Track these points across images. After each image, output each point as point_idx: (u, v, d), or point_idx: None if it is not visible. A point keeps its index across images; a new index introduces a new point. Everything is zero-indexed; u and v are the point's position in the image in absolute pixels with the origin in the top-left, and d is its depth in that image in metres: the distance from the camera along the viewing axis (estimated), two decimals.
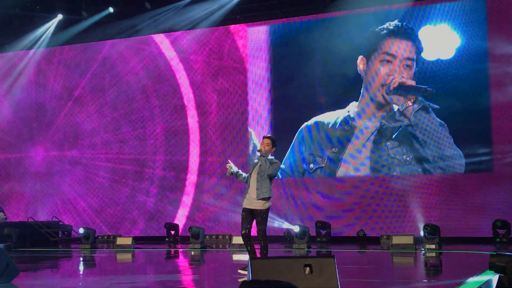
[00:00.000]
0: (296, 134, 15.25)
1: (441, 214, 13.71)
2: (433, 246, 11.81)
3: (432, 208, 13.90)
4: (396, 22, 14.63)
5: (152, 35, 17.04)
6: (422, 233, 12.26)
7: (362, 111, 14.74)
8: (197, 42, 16.59)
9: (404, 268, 10.15)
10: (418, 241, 12.12)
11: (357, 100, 14.80)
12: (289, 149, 15.26)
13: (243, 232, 7.99)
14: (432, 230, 12.08)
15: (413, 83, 14.28)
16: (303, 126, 15.23)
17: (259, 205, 7.90)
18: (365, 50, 14.81)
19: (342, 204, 14.79)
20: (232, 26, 16.29)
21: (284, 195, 15.23)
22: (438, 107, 14.03)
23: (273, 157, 8.13)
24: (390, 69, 14.54)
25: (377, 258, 11.47)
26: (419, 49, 14.42)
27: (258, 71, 15.85)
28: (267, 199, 7.92)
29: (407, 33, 14.54)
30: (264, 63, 15.83)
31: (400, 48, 14.57)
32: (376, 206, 14.44)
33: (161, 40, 17.00)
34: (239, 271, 8.08)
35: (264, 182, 7.92)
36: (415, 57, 14.42)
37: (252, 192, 7.93)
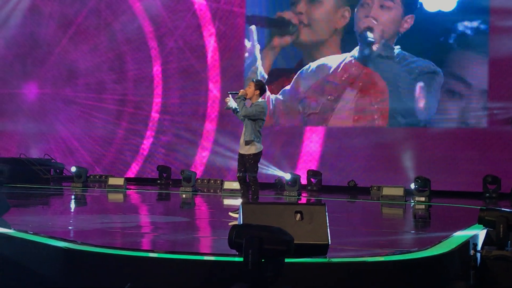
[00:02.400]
0: (297, 74, 15.14)
1: (433, 167, 13.75)
2: (422, 199, 11.90)
3: (424, 161, 13.94)
4: None
5: None
6: (412, 185, 12.33)
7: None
8: None
9: (392, 219, 10.26)
10: (408, 193, 12.20)
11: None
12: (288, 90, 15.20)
13: (237, 175, 8.08)
14: (422, 183, 12.15)
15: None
16: (306, 66, 15.10)
17: (244, 149, 7.90)
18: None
19: (334, 154, 14.81)
20: None
21: (276, 142, 15.22)
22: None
23: (259, 100, 7.95)
24: (365, 12, 14.51)
25: (367, 208, 11.58)
26: None
27: (256, 14, 15.64)
28: (249, 142, 7.84)
29: None
30: (264, 8, 15.62)
31: None
32: (368, 157, 14.48)
33: None
34: (230, 213, 8.13)
35: (247, 125, 7.86)
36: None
37: (241, 136, 7.96)
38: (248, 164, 7.88)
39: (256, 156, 7.92)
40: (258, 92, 7.89)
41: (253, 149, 7.87)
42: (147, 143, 16.54)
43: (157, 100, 16.49)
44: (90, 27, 17.33)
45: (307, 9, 15.10)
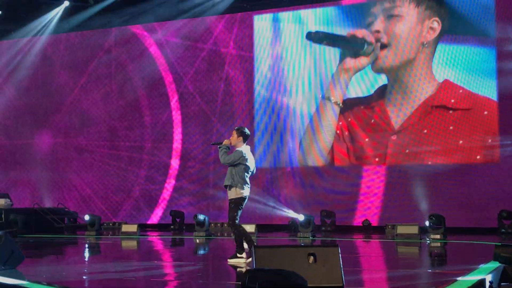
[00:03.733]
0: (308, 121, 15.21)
1: (447, 204, 13.66)
2: (438, 236, 11.80)
3: (437, 198, 13.85)
4: None
5: (159, 22, 16.99)
6: (427, 223, 12.24)
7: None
8: (203, 30, 16.53)
9: (408, 258, 10.16)
10: (423, 231, 12.11)
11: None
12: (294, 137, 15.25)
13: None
14: (437, 220, 12.07)
15: None
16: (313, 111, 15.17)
17: (227, 194, 8.31)
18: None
19: (347, 194, 14.77)
20: (239, 14, 16.23)
21: (289, 184, 15.23)
22: None
23: (241, 147, 8.33)
24: None
25: (382, 247, 11.48)
26: None
27: (264, 59, 15.79)
28: (229, 187, 8.20)
29: None
30: (270, 51, 15.77)
31: None
32: (382, 196, 14.41)
33: (167, 28, 16.94)
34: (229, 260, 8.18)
35: (228, 171, 8.28)
36: None
37: None
38: (229, 207, 8.18)
39: (237, 201, 8.19)
40: (241, 138, 8.31)
41: (233, 193, 8.18)
42: (159, 189, 16.58)
43: (169, 146, 16.59)
44: (101, 76, 17.58)
45: (385, 26, 14.43)
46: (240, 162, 8.17)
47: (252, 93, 15.88)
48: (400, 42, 14.33)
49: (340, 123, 14.84)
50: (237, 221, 8.17)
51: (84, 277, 7.54)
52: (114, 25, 17.47)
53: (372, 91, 14.65)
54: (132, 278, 7.28)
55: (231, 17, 16.29)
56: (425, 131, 14.03)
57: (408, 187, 14.20)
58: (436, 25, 14.08)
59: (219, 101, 16.22)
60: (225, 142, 8.31)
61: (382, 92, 14.53)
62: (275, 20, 15.81)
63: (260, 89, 15.77)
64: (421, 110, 14.07)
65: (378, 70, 14.55)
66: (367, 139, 14.60)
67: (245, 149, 8.28)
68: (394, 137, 14.30)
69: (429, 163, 14.13)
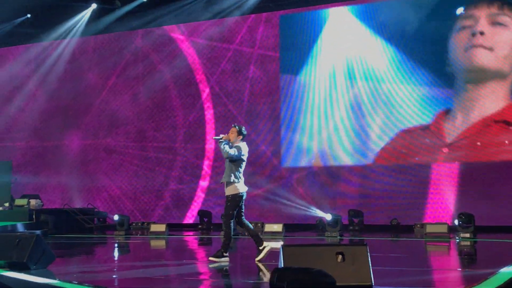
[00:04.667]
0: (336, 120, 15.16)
1: (476, 202, 13.52)
2: (467, 235, 11.68)
3: (466, 197, 13.72)
4: None
5: (185, 24, 17.09)
6: (456, 222, 12.13)
7: None
8: (228, 30, 16.59)
9: (438, 257, 10.07)
10: (452, 230, 12.00)
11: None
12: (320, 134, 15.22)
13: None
14: (466, 219, 11.95)
15: None
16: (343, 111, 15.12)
17: (225, 190, 8.35)
18: None
19: (375, 193, 14.71)
20: (264, 14, 16.25)
21: (316, 183, 15.20)
22: None
23: (241, 143, 8.38)
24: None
25: (411, 246, 11.39)
26: None
27: (290, 59, 15.79)
28: (229, 183, 8.27)
29: None
30: (296, 51, 15.76)
31: None
32: (411, 195, 14.31)
33: (193, 29, 17.04)
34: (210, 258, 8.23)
35: (226, 167, 8.36)
36: None
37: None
38: (226, 204, 8.22)
39: (234, 198, 8.22)
40: (240, 137, 8.42)
41: (232, 190, 8.23)
42: (187, 188, 16.67)
43: (196, 146, 16.67)
44: (129, 77, 17.74)
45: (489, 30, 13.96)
46: (242, 158, 8.30)
47: (278, 93, 15.87)
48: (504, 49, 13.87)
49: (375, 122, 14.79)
50: (232, 221, 8.21)
51: (114, 276, 7.62)
52: (141, 27, 17.62)
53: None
54: (161, 277, 7.33)
55: (257, 17, 16.32)
56: (478, 143, 13.82)
57: (437, 185, 14.08)
58: None
59: (245, 101, 16.26)
60: (225, 137, 8.36)
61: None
62: (301, 19, 15.78)
63: (285, 89, 15.76)
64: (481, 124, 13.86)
65: None
66: (403, 141, 14.50)
67: (244, 145, 8.39)
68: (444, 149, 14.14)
69: (458, 161, 14.00)
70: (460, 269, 8.13)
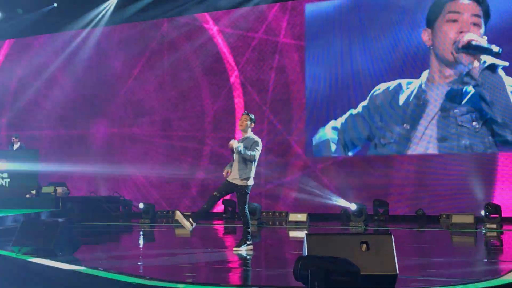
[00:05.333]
0: (360, 105, 15.03)
1: (503, 193, 13.36)
2: (494, 226, 11.54)
3: (493, 187, 13.56)
4: None
5: (210, 12, 17.09)
6: (482, 213, 12.00)
7: (432, 79, 14.38)
8: (254, 19, 16.54)
9: (463, 248, 9.98)
10: (478, 220, 11.87)
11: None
12: (347, 124, 15.13)
13: (214, 193, 8.31)
14: (493, 210, 11.81)
15: (483, 41, 13.74)
16: (368, 97, 14.98)
17: (238, 181, 8.24)
18: (428, 19, 14.49)
19: (401, 182, 14.61)
20: (289, 3, 16.18)
21: (340, 173, 15.14)
22: (507, 64, 13.44)
23: (256, 138, 8.23)
24: (458, 27, 14.14)
25: (437, 237, 11.30)
26: (485, 8, 13.95)
27: (315, 48, 15.70)
28: (241, 174, 8.19)
29: None
30: (321, 40, 15.66)
31: (464, 5, 14.17)
32: (437, 185, 14.19)
33: (219, 17, 17.03)
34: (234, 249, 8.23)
35: (245, 162, 8.19)
36: (481, 14, 13.97)
37: (235, 169, 8.25)
38: (239, 194, 8.20)
39: (249, 188, 8.26)
40: (253, 124, 8.28)
41: (248, 181, 8.22)
42: (211, 178, 16.70)
43: (221, 135, 16.69)
44: (154, 66, 17.81)
45: None
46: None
47: (303, 82, 15.81)
48: None
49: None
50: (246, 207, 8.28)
51: (139, 263, 7.67)
52: (166, 16, 17.67)
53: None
54: (186, 265, 7.37)
55: (282, 5, 16.25)
56: None
57: (463, 176, 13.94)
58: None
59: (270, 90, 16.23)
60: (235, 145, 8.17)
61: None
62: (327, 8, 15.67)
63: (310, 77, 15.70)
64: None
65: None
66: (427, 129, 14.35)
67: (259, 139, 8.30)
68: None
69: (482, 151, 13.83)
70: (486, 260, 8.04)
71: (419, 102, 14.43)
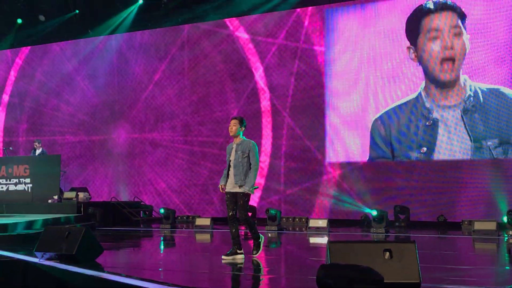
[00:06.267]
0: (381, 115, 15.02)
1: None
2: None
3: None
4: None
5: (230, 18, 17.15)
6: (505, 219, 11.87)
7: (433, 97, 14.35)
8: (273, 24, 16.57)
9: (485, 255, 9.88)
10: (501, 227, 11.75)
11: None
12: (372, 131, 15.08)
13: (229, 214, 8.02)
14: None
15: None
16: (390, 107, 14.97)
17: (237, 188, 7.90)
18: (408, 37, 14.65)
19: (421, 188, 14.51)
20: (309, 8, 16.17)
21: (361, 178, 15.08)
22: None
23: (251, 142, 7.98)
24: (441, 44, 14.21)
25: (459, 244, 11.20)
26: (461, 15, 14.07)
27: (335, 53, 15.67)
28: (241, 182, 7.85)
29: (445, 4, 14.27)
30: (341, 45, 15.63)
31: (442, 19, 14.29)
32: (458, 191, 14.08)
33: (238, 24, 17.09)
34: (223, 257, 7.97)
35: (244, 166, 7.88)
36: (460, 22, 14.03)
37: (231, 175, 7.92)
38: (242, 201, 7.87)
39: (250, 195, 7.97)
40: (243, 129, 8.04)
41: (250, 188, 7.86)
42: None
43: None
44: (174, 72, 17.91)
45: None
46: None
47: (323, 87, 15.79)
48: None
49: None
50: None
51: (160, 269, 7.70)
52: (186, 22, 17.76)
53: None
54: (206, 271, 7.37)
55: (302, 11, 16.25)
56: None
57: (485, 182, 13.82)
58: None
59: (290, 95, 16.22)
60: (247, 188, 7.86)
61: None
62: (346, 13, 15.65)
63: (331, 83, 15.67)
64: None
65: None
66: (447, 137, 14.27)
67: (255, 145, 8.05)
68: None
69: (503, 157, 13.71)
70: (508, 268, 7.95)
71: (429, 122, 14.35)
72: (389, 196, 14.65)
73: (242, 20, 17.06)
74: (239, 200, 7.88)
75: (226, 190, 7.96)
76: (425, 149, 14.38)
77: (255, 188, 7.96)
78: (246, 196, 7.88)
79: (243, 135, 8.09)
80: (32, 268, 7.38)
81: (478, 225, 11.80)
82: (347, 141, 15.35)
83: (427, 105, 14.41)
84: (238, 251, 7.94)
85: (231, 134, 8.03)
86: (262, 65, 16.67)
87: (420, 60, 14.56)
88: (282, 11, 16.46)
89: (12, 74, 20.50)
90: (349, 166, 15.34)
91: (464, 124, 13.96)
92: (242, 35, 17.00)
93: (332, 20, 15.80)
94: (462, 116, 13.99)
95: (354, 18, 15.54)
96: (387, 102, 14.95)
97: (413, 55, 14.57)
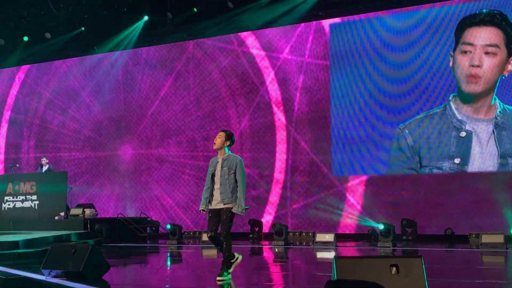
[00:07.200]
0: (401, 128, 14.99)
1: None
2: None
3: None
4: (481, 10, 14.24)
5: (235, 34, 17.23)
6: None
7: (463, 110, 14.26)
8: (279, 39, 16.63)
9: (494, 268, 9.82)
10: (508, 240, 11.68)
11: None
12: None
13: (209, 235, 7.48)
14: None
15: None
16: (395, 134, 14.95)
17: (222, 205, 7.41)
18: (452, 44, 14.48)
19: (428, 201, 14.46)
20: (314, 23, 16.23)
21: (367, 192, 15.05)
22: None
23: (238, 158, 7.55)
24: (469, 60, 14.07)
25: (467, 257, 11.15)
26: (508, 35, 13.85)
27: (340, 68, 15.71)
28: (227, 199, 7.40)
29: (492, 19, 14.00)
30: (346, 59, 15.67)
31: (479, 34, 14.08)
32: (465, 204, 14.02)
33: (244, 39, 17.16)
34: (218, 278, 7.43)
35: (230, 183, 7.45)
36: (500, 43, 13.85)
37: (217, 191, 7.45)
38: (225, 216, 7.32)
39: (234, 213, 7.43)
40: (228, 143, 7.55)
41: (233, 205, 7.37)
42: None
43: (246, 155, 16.73)
44: (180, 88, 17.97)
45: None
46: None
47: (328, 101, 15.81)
48: None
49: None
50: None
51: (166, 286, 7.68)
52: (191, 38, 17.85)
53: None
54: (212, 287, 7.36)
55: (306, 25, 16.31)
56: None
57: (492, 194, 13.76)
58: None
59: (295, 110, 16.25)
60: (240, 208, 7.38)
61: None
62: (351, 28, 15.70)
63: (335, 97, 15.69)
64: None
65: None
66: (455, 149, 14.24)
67: (241, 162, 7.59)
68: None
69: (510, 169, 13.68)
70: None
71: (462, 134, 14.23)
72: (396, 209, 14.60)
73: (247, 35, 17.13)
74: (222, 214, 7.35)
75: (210, 208, 7.44)
76: (458, 159, 14.22)
77: (246, 209, 7.49)
78: (232, 214, 7.37)
79: (229, 150, 7.63)
80: (38, 286, 7.38)
81: (485, 238, 11.74)
82: (353, 155, 15.34)
83: (459, 117, 14.26)
84: (232, 260, 7.49)
85: (214, 147, 7.54)
86: (267, 80, 16.72)
87: (453, 69, 14.39)
88: (286, 26, 16.53)
89: (18, 91, 20.62)
90: (355, 180, 15.32)
91: (494, 138, 13.84)
92: (247, 50, 17.06)
93: (337, 35, 15.83)
94: (493, 130, 13.84)
95: (358, 32, 15.57)
96: (395, 115, 14.93)
97: (450, 63, 14.43)
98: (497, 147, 13.75)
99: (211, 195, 7.45)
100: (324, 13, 16.14)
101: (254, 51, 16.97)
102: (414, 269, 5.22)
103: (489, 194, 13.78)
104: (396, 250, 12.10)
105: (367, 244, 13.29)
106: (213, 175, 7.51)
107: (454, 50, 14.39)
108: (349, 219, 14.89)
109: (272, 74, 16.66)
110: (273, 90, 16.63)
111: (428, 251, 11.64)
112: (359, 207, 14.98)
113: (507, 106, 13.76)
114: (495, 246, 11.46)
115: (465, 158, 14.10)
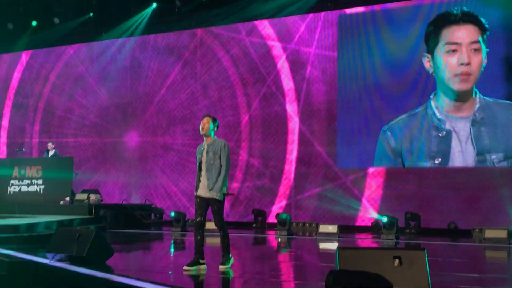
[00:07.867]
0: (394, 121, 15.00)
1: None
2: None
3: None
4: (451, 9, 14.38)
5: (243, 23, 17.19)
6: None
7: (444, 109, 14.32)
8: (286, 29, 16.59)
9: (496, 263, 9.83)
10: None
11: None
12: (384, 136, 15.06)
13: (197, 220, 7.49)
14: None
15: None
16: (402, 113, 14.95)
17: (210, 193, 7.40)
18: (427, 45, 14.62)
19: (433, 195, 14.45)
20: (322, 13, 16.18)
21: (372, 184, 15.05)
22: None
23: (223, 143, 7.54)
24: (458, 58, 14.14)
25: (469, 252, 11.16)
26: (483, 29, 13.97)
27: (347, 59, 15.67)
28: (214, 186, 7.39)
29: (468, 17, 14.17)
30: (353, 51, 15.63)
31: (462, 33, 14.20)
32: (469, 198, 14.01)
33: (250, 28, 17.12)
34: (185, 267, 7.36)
35: (216, 169, 7.46)
36: (479, 35, 13.96)
37: (204, 178, 7.43)
38: (216, 206, 7.35)
39: (224, 198, 7.46)
40: (215, 128, 7.55)
41: (215, 192, 7.35)
42: (241, 187, 16.75)
43: (251, 145, 16.74)
44: (186, 76, 17.97)
45: None
46: None
47: (335, 93, 15.78)
48: None
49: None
50: None
51: (169, 272, 7.72)
52: (199, 26, 17.83)
53: None
54: (214, 275, 7.39)
55: (315, 16, 16.26)
56: None
57: (496, 189, 13.74)
58: None
59: (302, 100, 16.23)
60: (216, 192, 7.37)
61: None
62: (360, 19, 15.65)
63: (342, 88, 15.66)
64: None
65: None
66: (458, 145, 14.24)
67: (227, 146, 7.61)
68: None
69: None
70: None
71: (441, 133, 14.31)
72: (400, 202, 14.60)
73: (254, 24, 17.09)
74: (212, 205, 7.37)
75: (197, 194, 7.45)
76: (439, 159, 14.31)
77: (229, 195, 7.54)
78: (219, 201, 7.37)
79: (214, 135, 7.61)
80: (42, 269, 7.43)
81: (489, 233, 11.75)
82: (358, 147, 15.32)
83: (439, 116, 14.35)
84: (201, 261, 7.42)
85: (202, 132, 7.51)
86: (274, 70, 16.69)
87: (435, 69, 14.48)
88: (295, 16, 16.49)
89: (26, 76, 20.65)
90: (360, 172, 15.31)
91: (471, 135, 13.92)
92: (255, 39, 17.03)
93: (345, 26, 15.79)
94: (470, 128, 13.94)
95: (367, 23, 15.52)
96: (397, 111, 14.91)
97: (427, 64, 14.51)
98: (473, 145, 13.88)
99: (199, 180, 7.43)
100: (333, 4, 16.08)
101: (262, 40, 16.93)
102: (417, 262, 5.23)
103: (494, 188, 13.75)
104: (399, 242, 12.11)
105: (370, 236, 13.30)
106: (200, 162, 7.49)
107: (433, 51, 14.42)
108: (353, 211, 14.90)
109: (279, 64, 16.63)
110: (280, 80, 16.59)
111: (431, 244, 11.65)
112: (363, 199, 14.98)
113: (486, 97, 13.85)
114: (498, 241, 11.46)
115: (446, 157, 14.21)
